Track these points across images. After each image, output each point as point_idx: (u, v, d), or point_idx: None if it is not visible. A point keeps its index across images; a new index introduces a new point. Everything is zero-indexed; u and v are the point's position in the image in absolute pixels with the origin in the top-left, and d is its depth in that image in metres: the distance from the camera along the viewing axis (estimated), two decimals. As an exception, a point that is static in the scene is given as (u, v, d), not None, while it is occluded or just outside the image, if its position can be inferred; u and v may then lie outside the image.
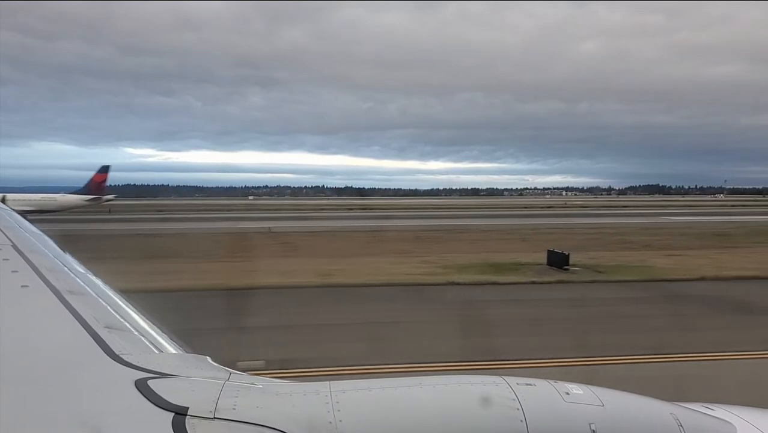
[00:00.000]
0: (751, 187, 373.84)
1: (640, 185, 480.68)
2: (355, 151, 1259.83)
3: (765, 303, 20.46)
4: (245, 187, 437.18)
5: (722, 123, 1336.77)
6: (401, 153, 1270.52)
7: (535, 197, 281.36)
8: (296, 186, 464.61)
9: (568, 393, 2.53)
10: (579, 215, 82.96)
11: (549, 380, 2.63)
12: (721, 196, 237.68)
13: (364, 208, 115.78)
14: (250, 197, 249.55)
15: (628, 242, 42.05)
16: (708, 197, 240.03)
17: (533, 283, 23.81)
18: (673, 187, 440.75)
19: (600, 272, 26.23)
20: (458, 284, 23.42)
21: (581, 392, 2.56)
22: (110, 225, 58.87)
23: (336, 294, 21.30)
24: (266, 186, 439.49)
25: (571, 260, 27.32)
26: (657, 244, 39.83)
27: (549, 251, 28.20)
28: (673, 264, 28.94)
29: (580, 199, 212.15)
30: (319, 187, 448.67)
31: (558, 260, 26.90)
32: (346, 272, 25.81)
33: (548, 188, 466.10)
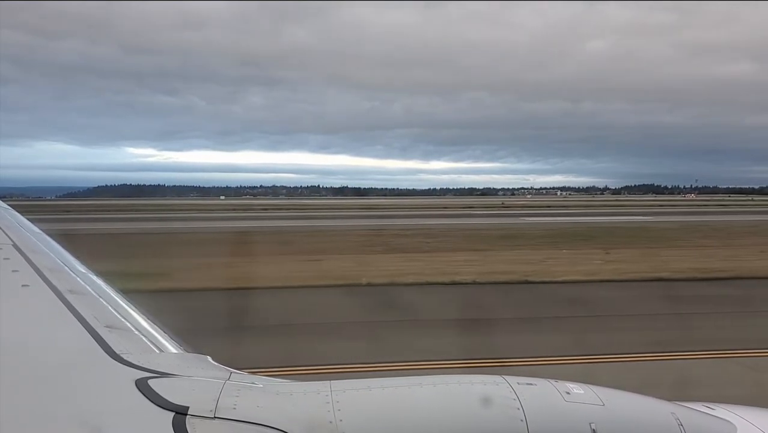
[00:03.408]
0: (748, 186, 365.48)
1: (635, 185, 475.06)
2: (358, 151, 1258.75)
3: None
4: (241, 187, 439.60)
5: (726, 122, 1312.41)
6: (404, 153, 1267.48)
7: (516, 197, 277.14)
8: (293, 186, 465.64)
9: (568, 393, 2.46)
10: (484, 216, 78.79)
11: (549, 380, 2.56)
12: (692, 196, 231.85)
13: (297, 208, 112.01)
14: (221, 197, 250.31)
15: (387, 244, 37.59)
16: (693, 196, 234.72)
17: None
18: (669, 186, 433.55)
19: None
20: None
21: (582, 391, 2.50)
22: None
23: None
24: (261, 186, 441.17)
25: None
26: (408, 246, 35.79)
27: None
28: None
29: (550, 199, 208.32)
30: (316, 186, 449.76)
31: None
32: None
33: (544, 188, 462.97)
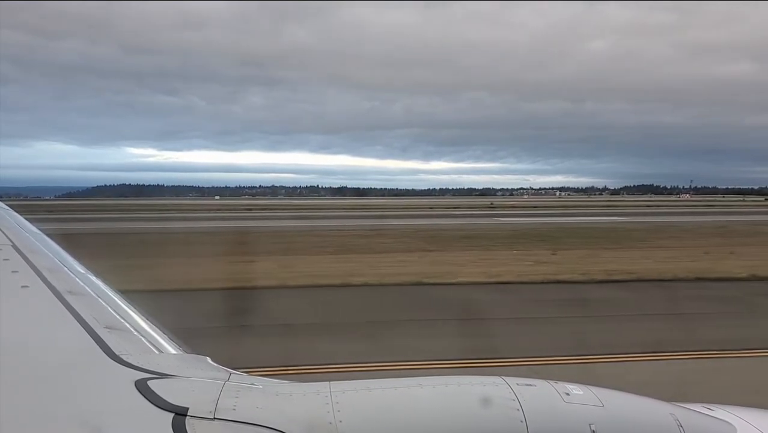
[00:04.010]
0: (748, 187, 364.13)
1: (634, 185, 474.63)
2: (358, 151, 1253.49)
3: None
4: (239, 187, 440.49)
5: (727, 122, 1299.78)
6: (404, 153, 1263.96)
7: (513, 198, 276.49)
8: (293, 186, 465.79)
9: (568, 393, 2.45)
10: (464, 216, 78.65)
11: (549, 381, 2.55)
12: (687, 196, 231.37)
13: (286, 208, 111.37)
14: (216, 197, 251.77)
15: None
16: (688, 196, 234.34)
17: None
18: (669, 187, 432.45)
19: None
20: None
21: (581, 392, 2.49)
22: None
23: None
24: (260, 186, 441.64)
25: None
26: (358, 247, 35.42)
27: None
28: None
29: (545, 199, 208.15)
30: (315, 187, 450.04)
31: None
32: None
33: (543, 188, 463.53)
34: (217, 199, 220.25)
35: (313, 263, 27.54)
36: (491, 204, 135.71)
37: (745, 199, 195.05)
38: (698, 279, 22.59)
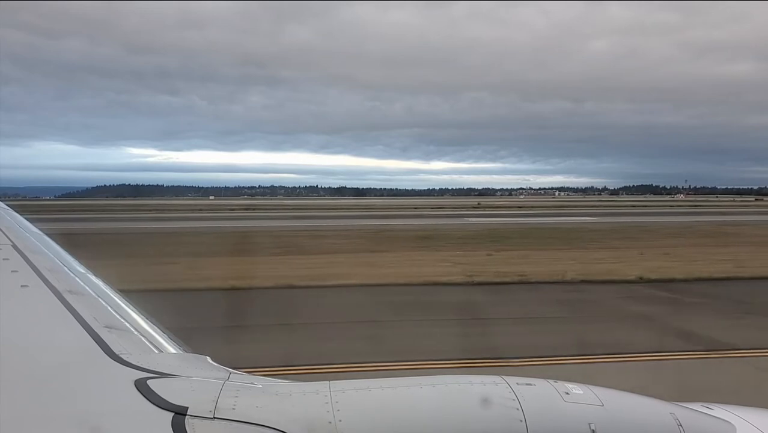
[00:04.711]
0: (748, 187, 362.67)
1: (633, 185, 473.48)
2: (359, 151, 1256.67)
3: None
4: (239, 187, 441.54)
5: (728, 122, 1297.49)
6: (405, 153, 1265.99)
7: (511, 198, 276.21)
8: (292, 186, 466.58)
9: (567, 393, 2.45)
10: (440, 216, 78.73)
11: (549, 380, 2.55)
12: (681, 197, 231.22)
13: (276, 208, 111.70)
14: (211, 197, 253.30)
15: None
16: (683, 197, 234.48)
17: None
18: (668, 187, 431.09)
19: None
20: None
21: (581, 391, 2.49)
22: None
23: None
24: (259, 186, 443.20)
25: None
26: (307, 248, 35.02)
27: None
28: None
29: (539, 199, 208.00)
30: (314, 187, 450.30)
31: None
32: None
33: (543, 188, 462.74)
34: (211, 199, 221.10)
35: (231, 264, 26.67)
36: (478, 204, 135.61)
37: (735, 199, 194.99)
38: (582, 282, 21.59)
